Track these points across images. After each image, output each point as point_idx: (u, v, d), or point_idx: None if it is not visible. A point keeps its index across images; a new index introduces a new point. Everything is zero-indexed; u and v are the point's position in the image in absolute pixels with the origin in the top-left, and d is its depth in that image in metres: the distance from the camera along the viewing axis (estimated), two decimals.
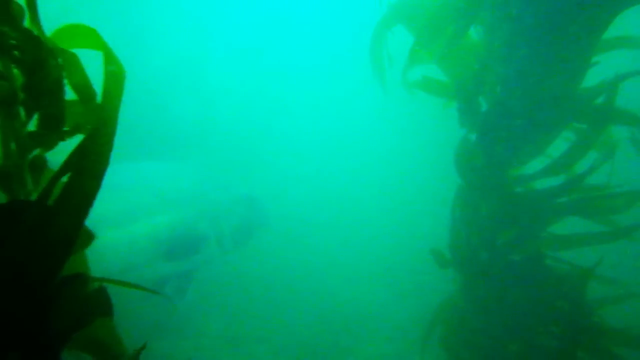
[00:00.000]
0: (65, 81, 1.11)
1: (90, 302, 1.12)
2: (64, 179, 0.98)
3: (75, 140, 1.09)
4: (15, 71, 1.03)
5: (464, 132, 2.67)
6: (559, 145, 2.41)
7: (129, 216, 2.80)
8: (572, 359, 2.21)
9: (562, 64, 2.23)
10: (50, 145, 1.10)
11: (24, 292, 0.90)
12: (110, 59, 1.16)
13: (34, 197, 1.07)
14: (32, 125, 1.09)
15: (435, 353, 2.83)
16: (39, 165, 1.08)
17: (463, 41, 2.53)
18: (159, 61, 8.01)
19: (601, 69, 2.19)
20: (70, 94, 1.18)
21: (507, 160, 2.57)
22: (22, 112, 1.06)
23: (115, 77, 1.24)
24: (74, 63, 1.12)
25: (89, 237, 1.16)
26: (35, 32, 1.02)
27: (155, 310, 3.62)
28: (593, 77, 2.21)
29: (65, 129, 1.11)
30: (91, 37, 1.16)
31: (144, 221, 2.82)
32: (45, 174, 1.09)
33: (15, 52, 1.01)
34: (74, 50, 1.23)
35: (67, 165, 0.97)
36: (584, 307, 2.24)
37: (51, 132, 1.08)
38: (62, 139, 1.12)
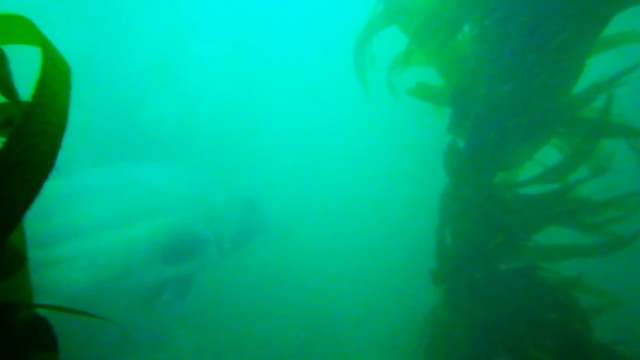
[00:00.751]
0: None
1: (24, 336, 0.98)
2: None
3: None
4: None
5: (451, 137, 2.61)
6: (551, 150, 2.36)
7: (126, 218, 2.74)
8: None
9: (550, 69, 2.18)
10: None
11: None
12: (50, 55, 1.03)
13: None
14: None
15: None
16: None
17: (459, 40, 2.50)
18: (137, 57, 7.84)
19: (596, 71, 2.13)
20: None
21: (496, 164, 2.51)
22: None
23: (58, 76, 1.10)
24: None
25: (20, 259, 1.02)
26: None
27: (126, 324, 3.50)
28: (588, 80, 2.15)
29: None
30: (26, 30, 1.02)
31: (141, 223, 2.76)
32: None
33: None
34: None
35: None
36: (578, 319, 2.17)
37: None
38: None
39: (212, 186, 3.19)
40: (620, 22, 2.09)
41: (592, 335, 2.21)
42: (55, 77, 1.05)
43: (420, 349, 2.66)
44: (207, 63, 8.25)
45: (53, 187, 2.72)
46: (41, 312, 1.07)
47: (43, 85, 0.95)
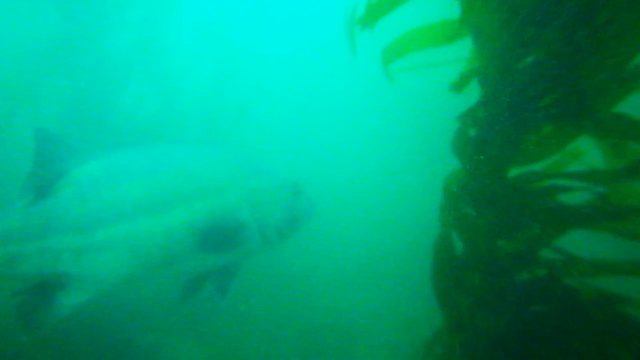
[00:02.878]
0: None
1: None
2: None
3: None
4: None
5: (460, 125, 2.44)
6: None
7: (165, 203, 2.63)
8: None
9: (602, 46, 1.92)
10: None
11: None
12: None
13: None
14: None
15: None
16: None
17: None
18: (115, 40, 7.60)
19: None
20: None
21: (517, 153, 2.30)
22: None
23: None
24: None
25: None
26: None
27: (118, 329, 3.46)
28: None
29: None
30: None
31: (180, 208, 2.64)
32: None
33: None
34: None
35: None
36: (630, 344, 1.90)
37: None
38: None
39: (256, 169, 3.05)
40: None
41: None
42: None
43: None
44: (189, 45, 8.05)
45: (89, 169, 2.63)
46: None
47: None
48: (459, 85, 2.50)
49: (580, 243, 2.32)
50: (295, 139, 7.93)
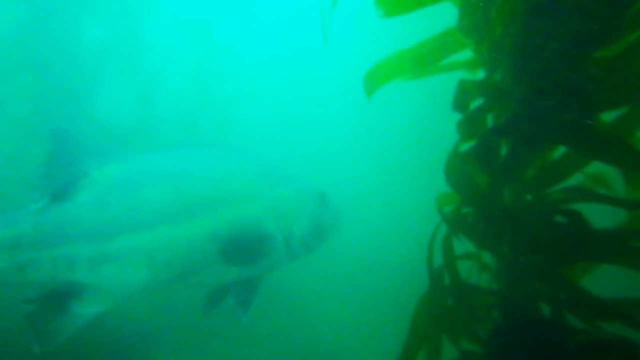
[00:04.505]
0: None
1: None
2: None
3: None
4: None
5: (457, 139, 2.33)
6: None
7: (187, 211, 2.59)
8: None
9: None
10: None
11: None
12: None
13: None
14: None
15: None
16: None
17: None
18: (87, 38, 7.46)
19: None
20: None
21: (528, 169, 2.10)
22: None
23: None
24: None
25: None
26: None
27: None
28: None
29: None
30: None
31: (203, 217, 2.61)
32: None
33: None
34: None
35: None
36: None
37: None
38: None
39: (280, 177, 3.02)
40: None
41: None
42: None
43: None
44: (168, 43, 7.96)
45: (108, 173, 2.58)
46: None
47: None
48: (462, 105, 2.33)
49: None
50: (280, 141, 7.94)
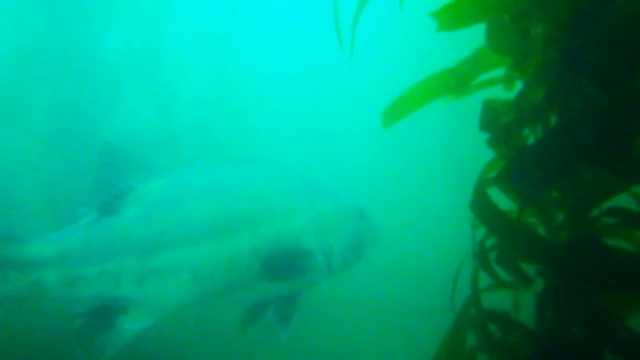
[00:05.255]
0: None
1: None
2: None
3: None
4: None
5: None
6: None
7: (230, 226, 2.66)
8: None
9: None
10: None
11: None
12: None
13: None
14: None
15: None
16: None
17: None
18: (105, 50, 7.58)
19: None
20: None
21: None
22: None
23: None
24: None
25: None
26: None
27: None
28: None
29: None
30: None
31: (245, 232, 2.67)
32: None
33: None
34: None
35: None
36: None
37: None
38: None
39: (320, 192, 3.07)
40: None
41: None
42: None
43: None
44: (186, 53, 8.08)
45: (153, 187, 2.66)
46: None
47: None
48: (490, 125, 2.26)
49: None
50: (299, 152, 8.00)
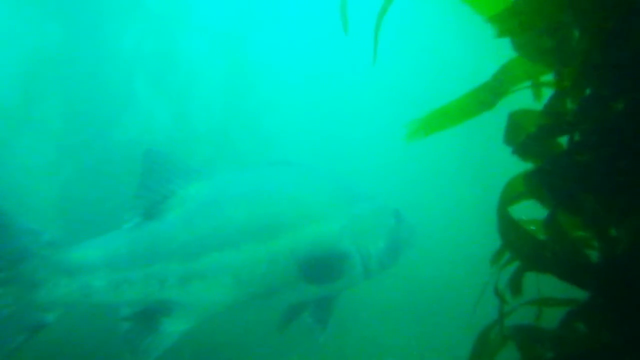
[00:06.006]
0: None
1: None
2: None
3: None
4: None
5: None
6: None
7: (269, 230, 2.72)
8: None
9: None
10: None
11: None
12: None
13: None
14: None
15: None
16: None
17: None
18: (120, 52, 7.68)
19: None
20: None
21: None
22: None
23: None
24: None
25: None
26: None
27: None
28: None
29: None
30: None
31: (284, 235, 2.74)
32: None
33: None
34: None
35: None
36: None
37: None
38: None
39: (356, 195, 3.12)
40: None
41: None
42: None
43: None
44: (199, 56, 8.17)
45: (194, 191, 2.74)
46: None
47: None
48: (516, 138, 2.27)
49: None
50: (312, 152, 8.08)
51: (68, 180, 6.78)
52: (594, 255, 2.11)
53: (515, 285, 2.37)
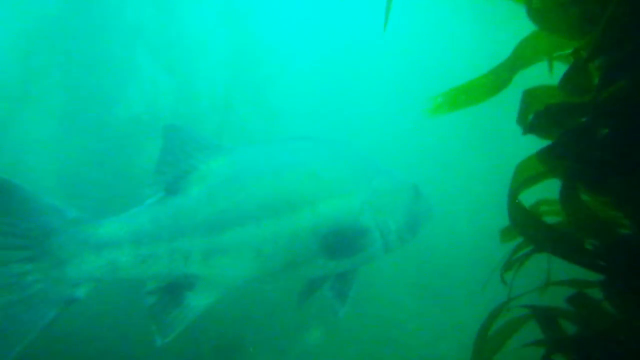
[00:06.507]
0: None
1: None
2: None
3: None
4: None
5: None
6: None
7: (290, 205, 2.74)
8: None
9: None
10: None
11: None
12: None
13: None
14: None
15: None
16: None
17: None
18: (122, 25, 7.59)
19: None
20: None
21: None
22: None
23: None
24: None
25: None
26: None
27: None
28: None
29: None
30: None
31: (304, 210, 2.76)
32: None
33: None
34: None
35: None
36: None
37: None
38: None
39: (375, 169, 3.13)
40: None
41: None
42: None
43: None
44: (203, 29, 8.08)
45: (215, 166, 2.76)
46: None
47: None
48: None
49: None
50: (318, 127, 8.07)
51: (71, 155, 6.77)
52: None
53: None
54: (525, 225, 2.20)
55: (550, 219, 2.40)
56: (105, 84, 7.17)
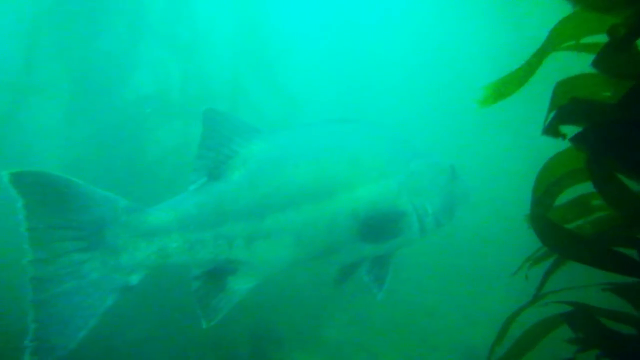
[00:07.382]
0: None
1: None
2: None
3: None
4: None
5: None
6: None
7: (328, 189, 2.80)
8: None
9: None
10: None
11: None
12: None
13: None
14: None
15: None
16: None
17: None
18: (128, 5, 7.52)
19: None
20: None
21: None
22: None
23: None
24: None
25: None
26: None
27: None
28: None
29: None
30: None
31: (343, 195, 2.82)
32: None
33: None
34: None
35: None
36: None
37: None
38: None
39: (413, 151, 3.16)
40: None
41: None
42: None
43: None
44: (212, 8, 8.02)
45: (255, 151, 2.81)
46: None
47: None
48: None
49: None
50: (330, 109, 8.08)
51: (80, 141, 6.79)
52: None
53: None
54: (552, 239, 2.17)
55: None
56: (112, 68, 7.14)
